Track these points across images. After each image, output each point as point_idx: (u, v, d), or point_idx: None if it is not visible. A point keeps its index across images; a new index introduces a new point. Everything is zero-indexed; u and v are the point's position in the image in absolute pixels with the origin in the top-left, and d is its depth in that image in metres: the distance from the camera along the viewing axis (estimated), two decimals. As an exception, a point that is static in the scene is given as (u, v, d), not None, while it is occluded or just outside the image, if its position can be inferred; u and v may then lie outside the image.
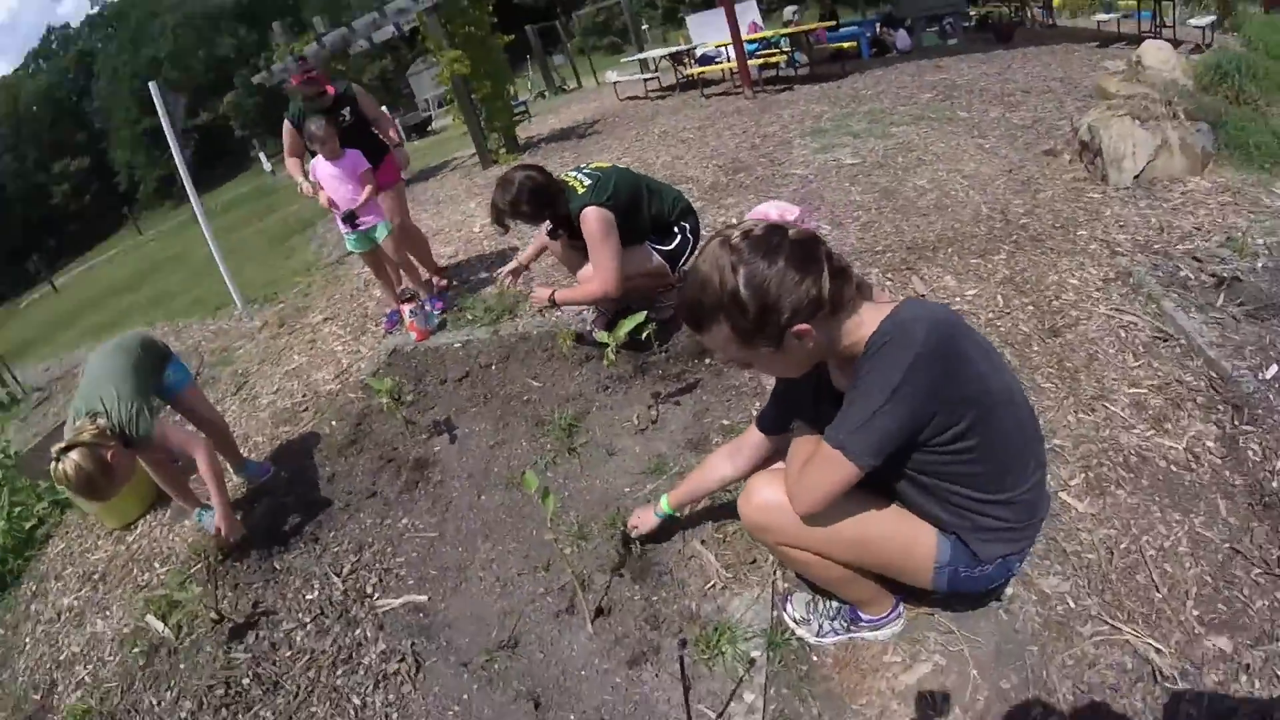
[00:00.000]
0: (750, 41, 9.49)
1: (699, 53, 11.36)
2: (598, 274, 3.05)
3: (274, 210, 13.56)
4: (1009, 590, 1.81)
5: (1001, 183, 4.27)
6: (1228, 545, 1.82)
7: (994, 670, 1.66)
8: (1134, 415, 2.32)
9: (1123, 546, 1.88)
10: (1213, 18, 7.84)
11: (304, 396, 3.98)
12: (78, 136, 45.70)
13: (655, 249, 3.25)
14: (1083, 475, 2.13)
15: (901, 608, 1.79)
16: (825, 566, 1.60)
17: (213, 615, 2.45)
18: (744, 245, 1.30)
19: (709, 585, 2.06)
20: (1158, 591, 1.75)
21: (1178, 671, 1.56)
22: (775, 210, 1.37)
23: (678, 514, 2.18)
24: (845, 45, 10.33)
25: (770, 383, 1.88)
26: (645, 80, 11.66)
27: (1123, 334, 2.70)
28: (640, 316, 2.93)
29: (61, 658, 2.63)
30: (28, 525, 3.56)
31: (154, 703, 2.25)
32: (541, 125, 11.54)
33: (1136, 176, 3.82)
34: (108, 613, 2.78)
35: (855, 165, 5.12)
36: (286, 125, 4.28)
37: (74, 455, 2.33)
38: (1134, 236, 3.33)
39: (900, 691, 1.67)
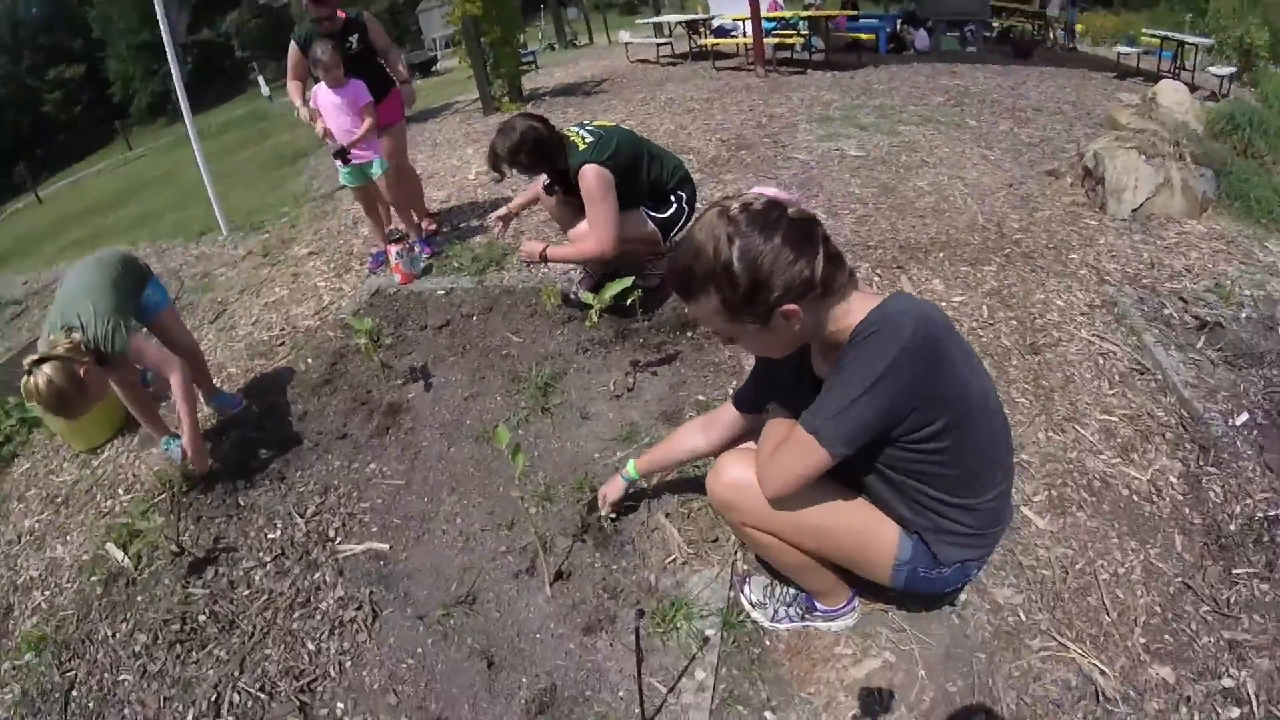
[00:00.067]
0: (769, 19, 9.37)
1: (715, 24, 11.19)
2: (594, 233, 3.00)
3: (268, 136, 13.19)
4: (963, 596, 1.85)
5: (1001, 195, 4.28)
6: (1180, 579, 1.87)
7: (942, 673, 1.70)
8: (1103, 441, 2.36)
9: (1078, 567, 1.92)
10: (1233, 69, 7.98)
11: (281, 330, 3.91)
12: (75, 43, 43.91)
13: (649, 215, 3.19)
14: (1046, 493, 2.17)
15: (857, 601, 1.81)
16: (785, 551, 1.62)
17: (173, 548, 2.43)
18: (742, 218, 1.29)
19: (669, 559, 2.08)
20: (1107, 615, 1.79)
21: (1120, 695, 1.61)
22: (770, 194, 1.36)
23: (644, 481, 2.19)
24: (863, 37, 10.22)
25: (750, 363, 1.88)
26: (658, 45, 11.44)
27: (1101, 361, 2.74)
28: (627, 282, 2.91)
29: (19, 581, 2.59)
30: (-5, 442, 3.47)
31: (109, 634, 2.22)
32: (548, 77, 11.31)
33: (1135, 210, 3.85)
34: (68, 538, 2.74)
35: (858, 158, 5.10)
36: (292, 47, 4.16)
37: (46, 369, 2.28)
38: (1124, 267, 3.37)
39: (848, 684, 1.70)
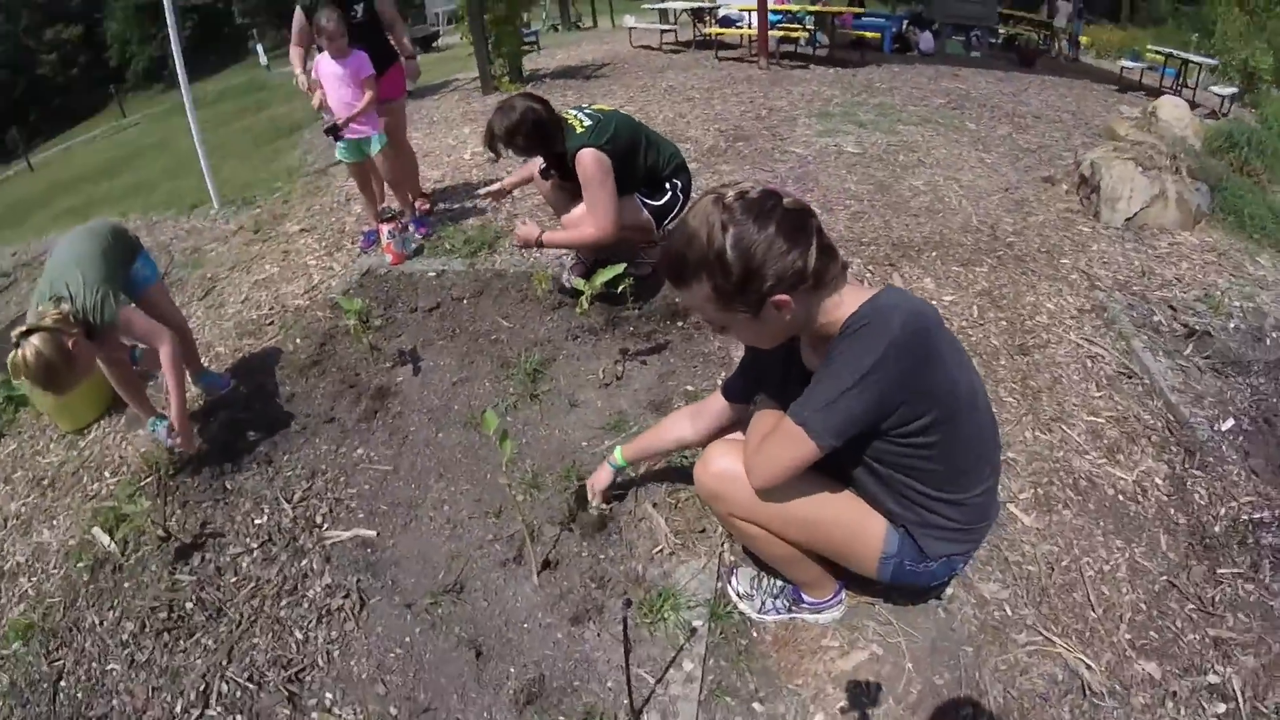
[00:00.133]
0: (775, 12, 9.34)
1: (721, 13, 11.13)
2: (593, 217, 2.96)
3: (264, 108, 12.97)
4: (950, 590, 1.86)
5: (996, 199, 4.30)
6: (1165, 578, 1.90)
7: (928, 665, 1.71)
8: (1089, 442, 2.38)
9: (1063, 564, 1.94)
10: (1235, 89, 8.08)
11: (271, 309, 3.87)
12: (73, 1, 43.02)
13: (644, 202, 3.16)
14: (1032, 490, 2.19)
15: (844, 594, 1.82)
16: (772, 543, 1.62)
17: (160, 532, 2.39)
18: (737, 206, 1.28)
19: (657, 549, 2.08)
20: (1093, 611, 1.81)
21: (1106, 689, 1.63)
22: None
23: (630, 469, 2.18)
24: (868, 35, 10.22)
25: (740, 353, 1.87)
26: (662, 31, 11.37)
27: (1089, 363, 2.76)
28: (619, 268, 2.88)
29: (6, 567, 2.54)
30: (-19, 420, 3.40)
31: (96, 622, 2.19)
32: (549, 59, 11.20)
33: (1129, 219, 3.89)
34: (55, 522, 2.69)
35: (856, 155, 5.10)
36: (297, 12, 4.07)
37: (34, 340, 2.23)
38: (1115, 274, 3.39)
39: (836, 676, 1.71)
